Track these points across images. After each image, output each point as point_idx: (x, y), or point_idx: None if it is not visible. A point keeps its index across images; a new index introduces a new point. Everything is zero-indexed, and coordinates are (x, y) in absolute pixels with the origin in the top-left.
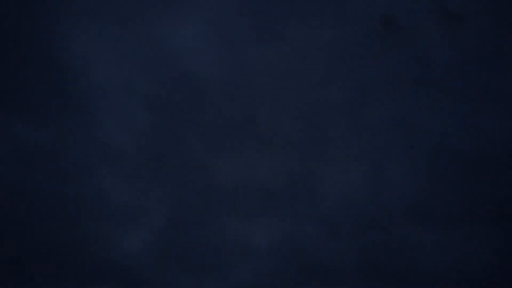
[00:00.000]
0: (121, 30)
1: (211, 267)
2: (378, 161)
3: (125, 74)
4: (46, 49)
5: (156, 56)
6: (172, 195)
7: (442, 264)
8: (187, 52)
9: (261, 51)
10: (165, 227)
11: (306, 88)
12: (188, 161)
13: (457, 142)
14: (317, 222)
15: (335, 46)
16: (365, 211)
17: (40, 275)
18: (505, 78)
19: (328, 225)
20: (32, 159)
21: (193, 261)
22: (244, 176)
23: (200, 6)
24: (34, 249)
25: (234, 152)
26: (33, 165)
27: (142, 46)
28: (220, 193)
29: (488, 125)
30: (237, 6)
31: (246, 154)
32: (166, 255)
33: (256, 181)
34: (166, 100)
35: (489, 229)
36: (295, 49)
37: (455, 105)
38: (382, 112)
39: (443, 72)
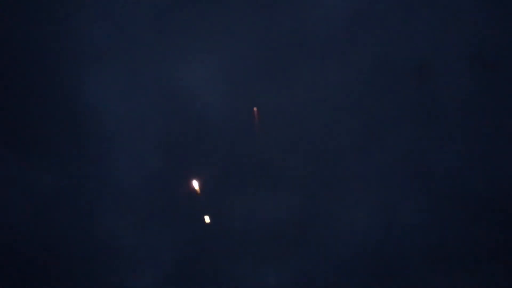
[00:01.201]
0: (135, 73)
1: None
2: (390, 200)
3: (137, 117)
4: (62, 95)
5: (168, 98)
6: (183, 237)
7: None
8: (199, 94)
9: (272, 94)
10: (175, 270)
11: (317, 128)
12: (200, 203)
13: (470, 182)
14: (330, 262)
15: (345, 86)
16: (378, 252)
17: None
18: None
19: (340, 266)
20: (46, 203)
21: None
22: (255, 217)
23: (211, 50)
24: None
25: (245, 193)
26: (47, 209)
27: (155, 89)
28: (232, 234)
29: (502, 165)
30: (248, 50)
31: (258, 195)
32: None
33: (268, 222)
34: (178, 142)
35: (507, 271)
36: (306, 90)
37: (467, 145)
38: (394, 151)
39: (456, 112)
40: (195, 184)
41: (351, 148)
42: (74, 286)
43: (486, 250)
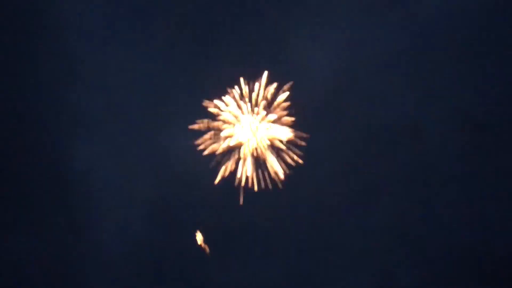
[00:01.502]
0: (123, 142)
1: None
2: (385, 262)
3: (124, 183)
4: (47, 158)
5: (155, 165)
6: None
7: None
8: (187, 161)
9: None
10: None
11: (310, 190)
12: (189, 270)
13: (464, 242)
14: None
15: (338, 148)
16: None
17: None
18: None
19: None
20: (29, 270)
21: None
22: (249, 283)
23: (198, 118)
24: None
25: (238, 258)
26: (30, 277)
27: (143, 157)
28: None
29: (495, 225)
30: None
31: (251, 261)
32: None
33: (259, 285)
34: (165, 208)
35: None
36: (297, 152)
37: (460, 202)
38: (387, 213)
39: (446, 171)
40: (200, 240)
41: (345, 213)
42: None
43: None
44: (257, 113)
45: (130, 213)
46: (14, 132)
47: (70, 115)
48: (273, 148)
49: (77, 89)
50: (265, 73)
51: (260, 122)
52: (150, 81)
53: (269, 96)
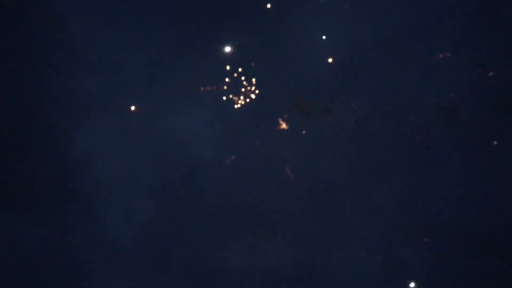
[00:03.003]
0: (126, 123)
1: None
2: (387, 240)
3: (130, 166)
4: (53, 146)
5: (161, 147)
6: (178, 286)
7: None
8: (192, 143)
9: (264, 139)
10: None
11: (312, 171)
12: (195, 252)
13: (464, 219)
14: None
15: (339, 129)
16: None
17: None
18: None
19: None
20: (32, 257)
21: None
22: (253, 264)
23: (204, 100)
24: None
25: (242, 240)
26: (33, 264)
27: (148, 138)
28: (228, 282)
29: (499, 203)
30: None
31: (255, 242)
32: None
33: (267, 268)
34: (171, 191)
35: None
36: (299, 133)
37: (458, 185)
38: (389, 193)
39: (444, 154)
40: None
41: (348, 191)
42: None
43: (488, 283)
44: None
45: (136, 195)
46: (14, 120)
47: (70, 95)
48: None
49: (78, 74)
50: None
51: None
52: (153, 61)
53: None
